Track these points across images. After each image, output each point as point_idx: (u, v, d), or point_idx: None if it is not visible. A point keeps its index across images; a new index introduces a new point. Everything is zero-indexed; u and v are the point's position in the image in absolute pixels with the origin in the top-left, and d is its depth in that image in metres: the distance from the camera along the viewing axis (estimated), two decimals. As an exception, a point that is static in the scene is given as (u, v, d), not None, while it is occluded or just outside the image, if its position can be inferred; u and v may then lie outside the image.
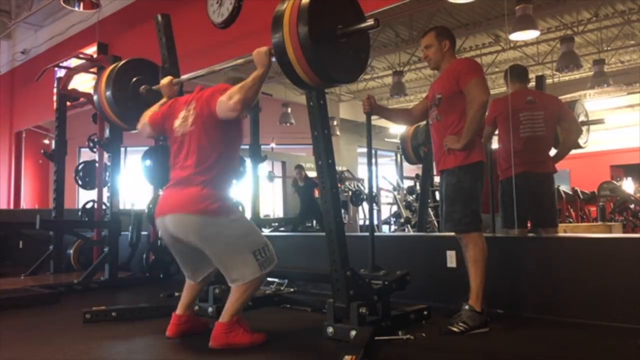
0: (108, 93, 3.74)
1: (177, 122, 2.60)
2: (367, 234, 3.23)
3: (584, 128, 4.14)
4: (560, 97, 4.52)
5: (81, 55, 5.55)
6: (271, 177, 9.91)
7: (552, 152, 3.60)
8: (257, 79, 2.42)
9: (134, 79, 3.78)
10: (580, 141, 3.79)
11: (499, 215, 3.59)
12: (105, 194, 5.07)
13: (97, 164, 5.40)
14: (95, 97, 3.91)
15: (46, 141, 9.40)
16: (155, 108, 2.83)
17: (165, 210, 2.52)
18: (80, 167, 5.42)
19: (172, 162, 2.62)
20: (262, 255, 2.45)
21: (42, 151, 5.42)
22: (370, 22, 2.29)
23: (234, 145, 2.61)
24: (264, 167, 10.14)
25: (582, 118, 4.38)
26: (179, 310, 2.67)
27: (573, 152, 3.65)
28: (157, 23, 3.55)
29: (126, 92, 3.75)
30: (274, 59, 2.39)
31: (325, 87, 2.65)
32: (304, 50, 2.22)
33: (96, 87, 3.88)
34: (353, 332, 2.44)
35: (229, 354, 2.35)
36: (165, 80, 2.96)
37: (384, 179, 8.85)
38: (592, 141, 4.69)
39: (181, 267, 2.71)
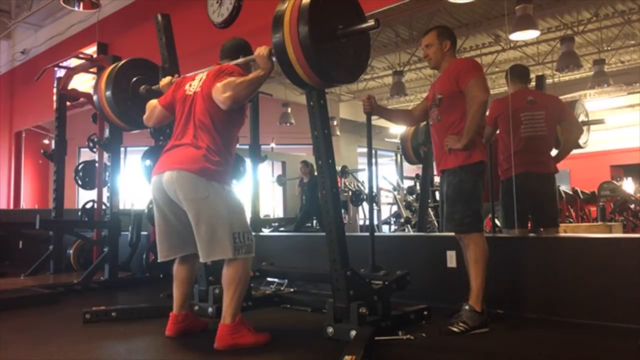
0: (108, 93, 3.75)
1: (187, 89, 2.64)
2: (367, 234, 3.23)
3: (584, 128, 4.14)
4: (560, 97, 4.52)
5: (81, 55, 5.55)
6: (281, 181, 9.73)
7: (554, 152, 3.60)
8: (256, 80, 2.43)
9: (134, 79, 3.79)
10: (580, 141, 3.79)
11: (499, 205, 3.60)
12: (105, 194, 5.07)
13: (97, 164, 5.40)
14: (95, 97, 3.92)
15: (46, 141, 9.40)
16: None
17: (163, 167, 2.51)
18: (80, 167, 5.42)
19: (175, 126, 2.63)
20: (240, 240, 2.42)
21: (42, 151, 5.42)
22: (371, 22, 2.29)
23: (235, 121, 2.61)
24: (268, 169, 10.10)
25: (582, 118, 4.38)
26: (175, 310, 2.68)
27: (573, 152, 3.65)
28: (157, 23, 3.55)
29: (126, 92, 3.76)
30: (274, 59, 2.39)
31: (325, 87, 2.65)
32: (304, 50, 2.22)
33: (96, 87, 3.89)
34: (353, 332, 2.44)
35: (228, 354, 2.35)
36: (165, 80, 2.97)
37: (384, 179, 8.84)
38: (592, 141, 4.69)
39: (159, 241, 2.64)
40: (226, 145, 2.56)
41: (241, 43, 2.75)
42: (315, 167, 2.74)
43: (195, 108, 2.55)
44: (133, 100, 3.75)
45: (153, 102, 2.82)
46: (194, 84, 2.62)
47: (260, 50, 2.43)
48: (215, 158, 2.47)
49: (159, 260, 2.67)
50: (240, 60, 2.62)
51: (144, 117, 2.86)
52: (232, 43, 2.76)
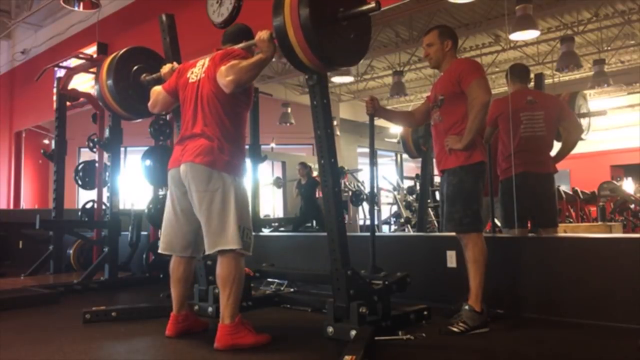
0: (109, 82, 3.71)
1: (190, 76, 2.65)
2: (368, 234, 3.23)
3: (586, 120, 4.13)
4: (560, 93, 4.52)
5: (81, 55, 5.55)
6: (279, 183, 9.71)
7: (554, 152, 3.59)
8: (258, 63, 2.43)
9: (135, 67, 3.75)
10: (582, 135, 3.78)
11: (498, 203, 3.59)
12: (105, 194, 5.07)
13: (97, 164, 5.40)
14: (96, 87, 3.89)
15: (46, 141, 9.40)
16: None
17: (179, 161, 2.54)
18: (80, 167, 5.41)
19: (183, 118, 2.64)
20: (245, 235, 2.45)
21: (42, 151, 5.41)
22: (372, 4, 2.28)
23: (242, 102, 2.61)
24: (268, 169, 10.08)
25: (583, 110, 4.37)
26: (174, 310, 2.68)
27: (573, 152, 3.64)
28: (162, 23, 3.54)
29: (127, 80, 3.72)
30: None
31: (326, 70, 2.63)
32: (305, 33, 2.21)
33: (97, 77, 3.85)
34: (353, 332, 2.44)
35: (228, 354, 2.35)
36: (166, 68, 2.98)
37: (384, 179, 8.84)
38: (592, 141, 4.70)
39: (163, 232, 2.68)
40: (236, 129, 2.57)
41: (244, 28, 2.79)
42: (314, 167, 2.74)
43: (201, 94, 2.55)
44: (134, 88, 3.71)
45: (157, 89, 2.84)
46: (196, 71, 2.63)
47: (261, 35, 2.44)
48: (229, 147, 2.50)
49: (159, 251, 2.70)
50: (242, 44, 2.62)
51: (149, 104, 2.88)
52: (235, 28, 2.81)
